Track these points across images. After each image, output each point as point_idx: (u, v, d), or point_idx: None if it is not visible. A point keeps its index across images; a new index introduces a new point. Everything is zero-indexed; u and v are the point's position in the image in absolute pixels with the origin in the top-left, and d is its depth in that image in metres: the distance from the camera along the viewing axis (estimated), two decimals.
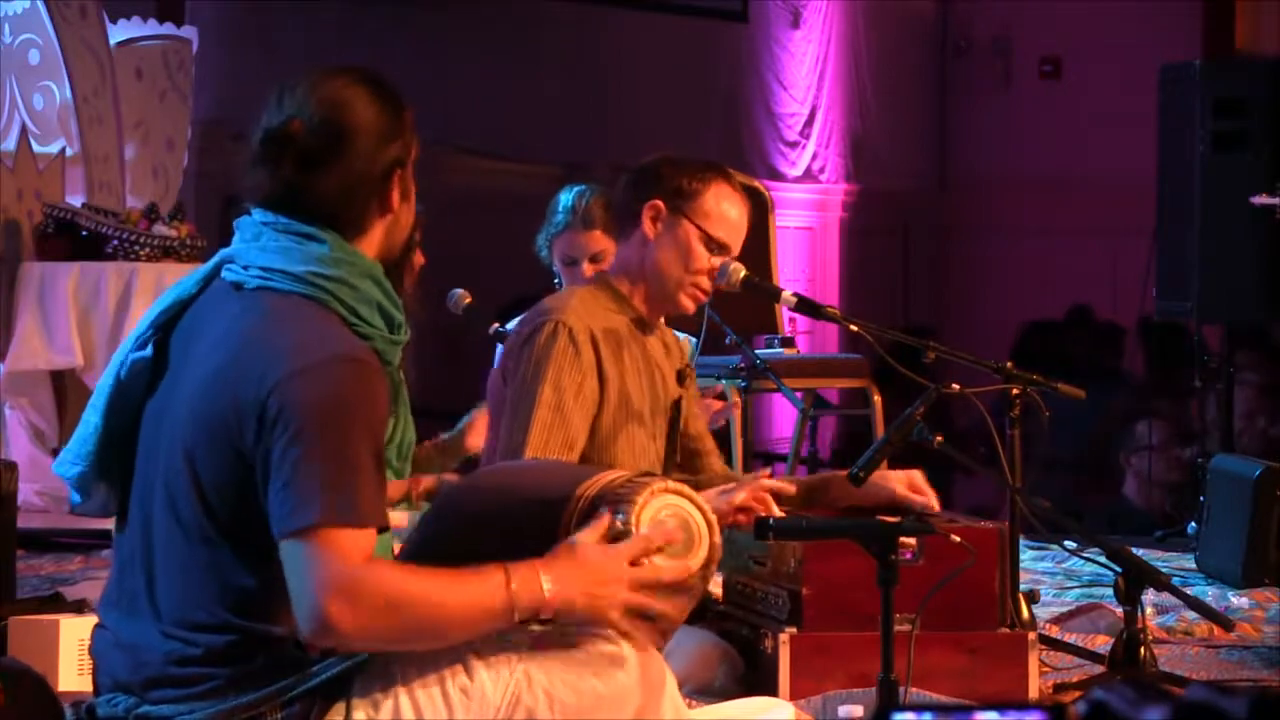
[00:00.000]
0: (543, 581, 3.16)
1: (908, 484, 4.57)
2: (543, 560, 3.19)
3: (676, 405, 4.66)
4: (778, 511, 4.41)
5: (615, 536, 3.25)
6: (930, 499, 4.56)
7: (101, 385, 3.36)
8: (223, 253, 3.32)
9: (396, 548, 3.41)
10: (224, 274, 3.29)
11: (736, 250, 4.57)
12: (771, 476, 4.63)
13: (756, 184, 7.61)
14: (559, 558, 3.20)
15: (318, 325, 3.17)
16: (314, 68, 3.33)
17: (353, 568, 3.04)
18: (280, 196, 3.26)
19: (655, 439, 4.60)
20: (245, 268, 3.25)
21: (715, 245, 4.53)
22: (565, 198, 5.87)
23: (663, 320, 4.67)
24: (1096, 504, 10.19)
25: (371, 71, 3.33)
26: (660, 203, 4.53)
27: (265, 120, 3.27)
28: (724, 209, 4.54)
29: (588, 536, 3.23)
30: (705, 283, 4.54)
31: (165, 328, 3.31)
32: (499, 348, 6.02)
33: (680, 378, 4.67)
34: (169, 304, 3.33)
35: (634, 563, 3.23)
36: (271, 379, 3.10)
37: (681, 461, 4.72)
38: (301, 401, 3.08)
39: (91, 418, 3.35)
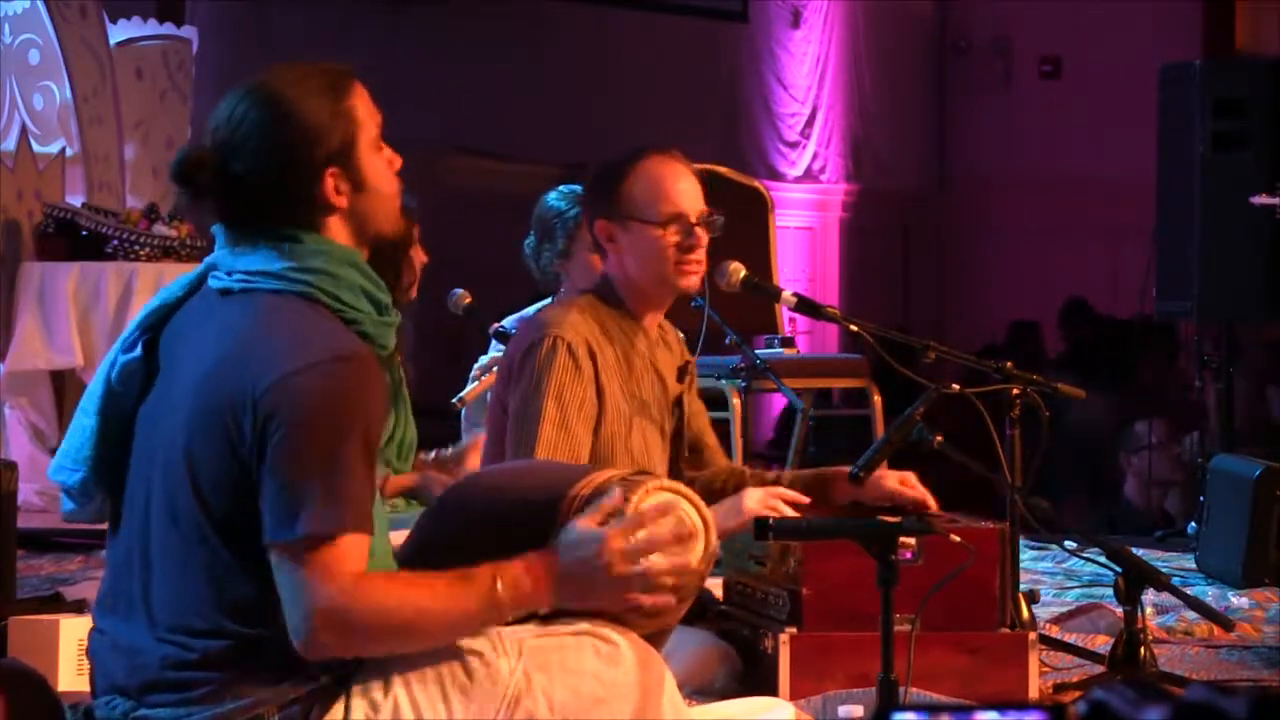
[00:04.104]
0: (530, 582, 3.17)
1: (900, 481, 4.58)
2: (533, 557, 3.19)
3: (679, 402, 4.66)
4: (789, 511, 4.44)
5: None
6: (925, 495, 4.57)
7: (92, 390, 3.35)
8: (208, 259, 3.33)
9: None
10: (210, 281, 3.29)
11: (697, 207, 4.52)
12: (778, 481, 4.64)
13: (756, 184, 7.61)
14: (549, 553, 3.21)
15: (308, 323, 3.17)
16: (233, 88, 3.30)
17: (339, 590, 3.05)
18: (224, 214, 3.26)
19: (662, 442, 4.59)
20: (229, 274, 3.26)
21: (666, 218, 4.51)
22: (560, 199, 5.87)
23: (663, 319, 4.66)
24: (1096, 504, 10.20)
25: (281, 79, 3.25)
26: (604, 221, 4.52)
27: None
28: (657, 184, 4.50)
29: (590, 520, 3.23)
30: (690, 255, 4.51)
31: (153, 329, 3.31)
32: (494, 344, 6.02)
33: (681, 374, 4.66)
34: (156, 306, 3.33)
35: (629, 548, 3.23)
36: (265, 381, 3.09)
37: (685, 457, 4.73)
38: (293, 404, 3.07)
39: (86, 421, 3.34)
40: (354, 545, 3.08)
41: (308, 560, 3.05)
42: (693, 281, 4.53)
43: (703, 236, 4.50)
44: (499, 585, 3.14)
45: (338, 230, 3.27)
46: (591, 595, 3.23)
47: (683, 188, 4.51)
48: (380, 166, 3.30)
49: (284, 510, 3.06)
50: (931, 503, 4.58)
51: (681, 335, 4.83)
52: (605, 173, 4.56)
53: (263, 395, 3.08)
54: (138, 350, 3.30)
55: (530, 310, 6.17)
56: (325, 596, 3.05)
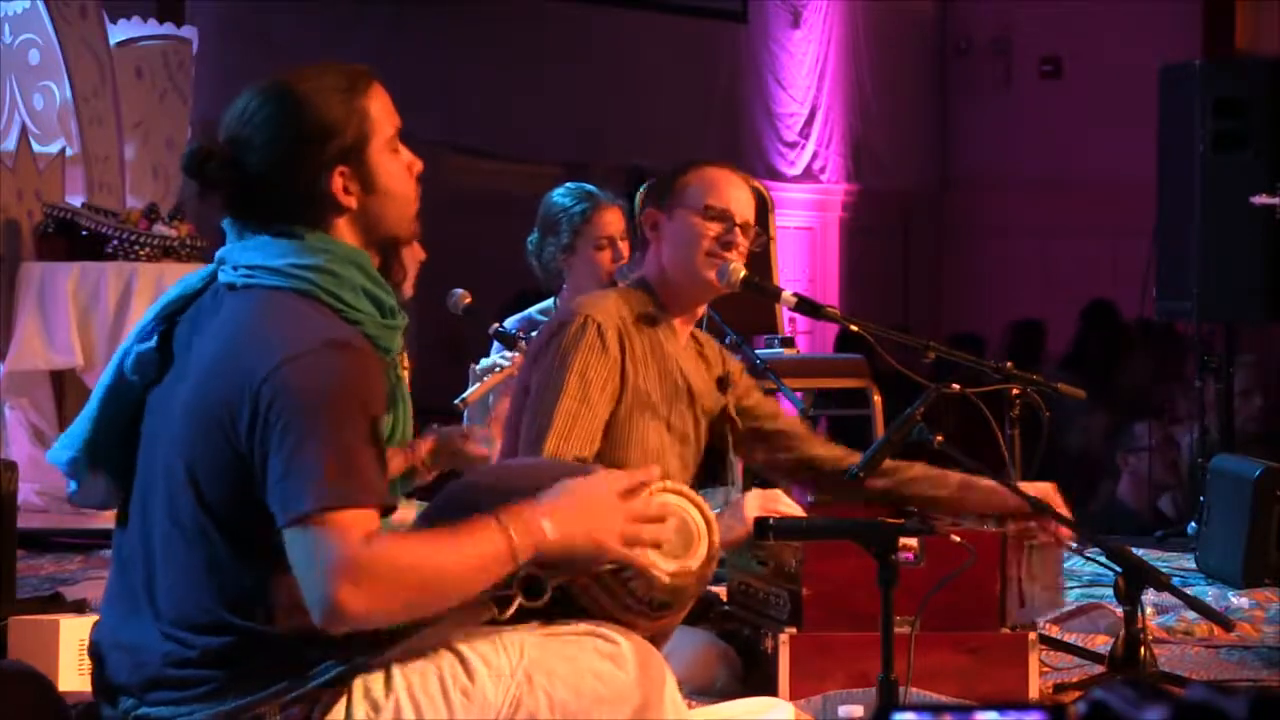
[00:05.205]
0: (541, 523, 3.16)
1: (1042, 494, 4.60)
2: (537, 502, 3.19)
3: (724, 413, 4.69)
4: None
5: None
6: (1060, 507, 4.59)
7: (103, 378, 3.37)
8: (220, 252, 3.33)
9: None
10: (219, 275, 3.30)
11: (745, 215, 4.61)
12: (789, 493, 4.65)
13: (756, 184, 7.60)
14: (552, 496, 3.21)
15: (304, 316, 3.17)
16: (255, 82, 3.30)
17: (354, 549, 3.02)
18: (234, 209, 3.27)
19: (677, 445, 4.61)
20: (235, 268, 3.26)
21: (713, 213, 4.59)
22: (566, 196, 5.87)
23: (698, 329, 4.72)
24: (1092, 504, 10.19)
25: (297, 75, 3.26)
26: (653, 210, 4.67)
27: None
28: (710, 182, 4.63)
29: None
30: (726, 253, 4.59)
31: (170, 320, 3.32)
32: (495, 346, 6.02)
33: (722, 386, 4.70)
34: (174, 297, 3.34)
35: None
36: (261, 371, 3.09)
37: (775, 451, 4.74)
38: (292, 390, 3.07)
39: (89, 406, 3.36)
40: (365, 514, 3.06)
41: (319, 530, 3.02)
42: (719, 277, 4.59)
43: (742, 241, 4.58)
44: (510, 530, 3.13)
45: (346, 231, 3.27)
46: (593, 519, 3.21)
47: (736, 194, 4.65)
48: (394, 168, 3.29)
49: (292, 490, 3.04)
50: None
51: (721, 348, 4.84)
52: (670, 171, 4.71)
53: (259, 388, 3.08)
54: (154, 340, 3.30)
55: (532, 310, 6.18)
56: (340, 555, 3.01)
